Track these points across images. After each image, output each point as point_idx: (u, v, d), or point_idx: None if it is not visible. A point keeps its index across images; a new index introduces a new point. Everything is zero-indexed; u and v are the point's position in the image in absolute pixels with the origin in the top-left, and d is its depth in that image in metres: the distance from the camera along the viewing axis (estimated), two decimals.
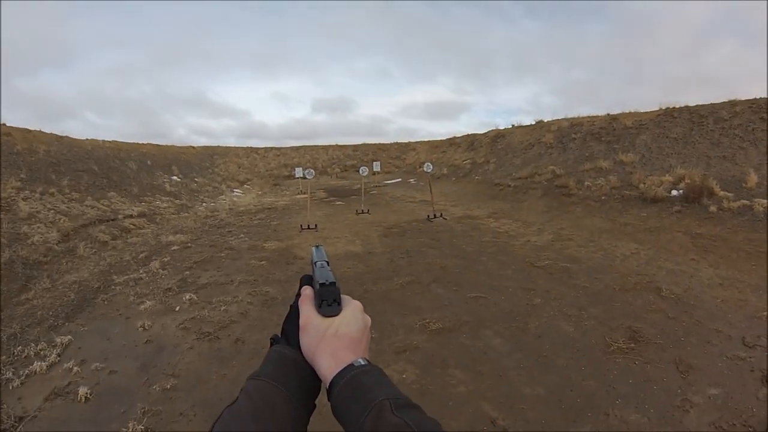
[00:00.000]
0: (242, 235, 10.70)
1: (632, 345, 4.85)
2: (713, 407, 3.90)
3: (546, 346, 5.03)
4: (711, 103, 13.53)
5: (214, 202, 18.84)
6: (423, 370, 4.65)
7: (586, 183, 12.60)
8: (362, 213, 13.58)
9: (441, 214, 12.30)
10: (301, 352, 0.64)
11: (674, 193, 10.06)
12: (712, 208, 8.94)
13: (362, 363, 0.58)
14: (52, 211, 10.87)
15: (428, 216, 12.19)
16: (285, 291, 6.72)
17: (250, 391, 0.59)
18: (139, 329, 5.50)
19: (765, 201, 8.47)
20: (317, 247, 0.83)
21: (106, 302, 6.54)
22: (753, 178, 9.46)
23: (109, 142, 21.62)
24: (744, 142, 11.17)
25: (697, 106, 13.85)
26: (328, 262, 0.76)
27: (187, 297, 6.42)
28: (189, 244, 9.84)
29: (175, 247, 9.56)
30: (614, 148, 14.30)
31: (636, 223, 9.35)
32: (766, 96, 12.20)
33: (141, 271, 7.88)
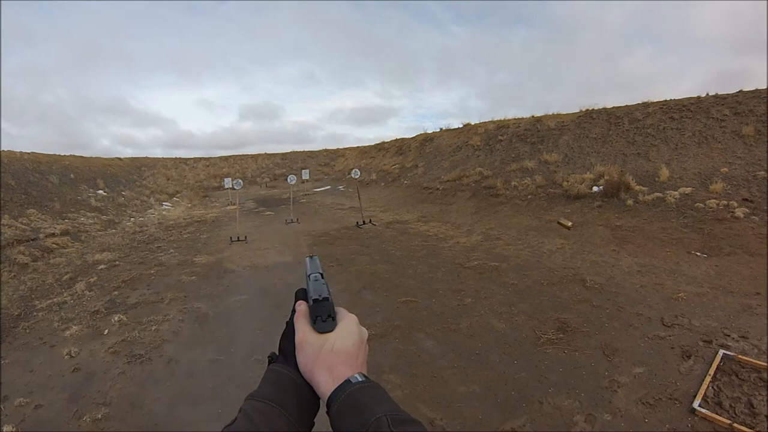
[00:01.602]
0: (172, 250, 10.70)
1: (561, 335, 5.17)
2: (639, 385, 4.25)
3: (478, 344, 5.23)
4: (626, 105, 14.94)
5: (142, 217, 18.58)
6: None
7: (512, 183, 13.30)
8: (292, 222, 13.70)
9: (370, 221, 12.50)
10: (299, 370, 0.66)
11: (595, 189, 10.92)
12: (630, 202, 9.80)
13: (359, 379, 0.60)
14: None
15: (357, 223, 12.37)
16: (216, 306, 6.75)
17: (249, 411, 0.60)
18: (66, 357, 5.38)
19: (676, 193, 9.44)
20: (311, 257, 0.84)
21: (28, 330, 6.31)
22: (665, 173, 10.50)
23: (28, 153, 20.48)
24: (656, 140, 12.39)
25: (613, 108, 15.23)
26: (322, 274, 0.77)
27: (116, 319, 6.38)
28: (117, 263, 9.74)
29: (102, 266, 9.41)
30: (539, 149, 15.25)
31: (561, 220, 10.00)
32: (682, 97, 13.69)
33: (65, 294, 7.69)
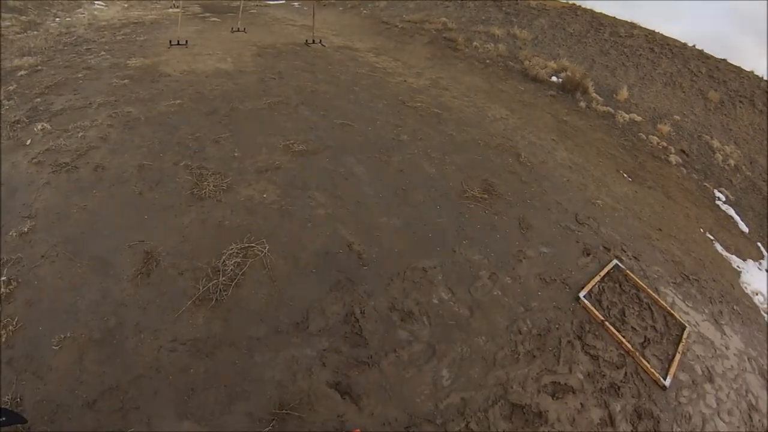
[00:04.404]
0: (103, 53, 9.29)
1: (485, 196, 5.11)
2: (541, 262, 4.39)
3: (406, 181, 5.05)
4: (615, 17, 14.33)
5: (69, 17, 15.31)
6: (284, 190, 4.62)
7: (474, 43, 12.50)
8: (238, 31, 12.23)
9: (320, 41, 11.47)
10: None
11: (554, 79, 10.60)
12: (582, 104, 9.75)
13: None
14: None
15: (306, 41, 11.29)
16: (148, 111, 6.17)
17: None
18: None
19: (627, 116, 9.60)
20: None
21: None
22: (624, 93, 10.50)
23: None
24: (629, 61, 12.14)
25: (600, 13, 14.54)
26: None
27: (39, 127, 5.77)
28: (39, 67, 8.34)
29: (22, 72, 8.02)
30: (512, 21, 14.32)
31: (512, 93, 9.69)
32: (670, 35, 13.30)
33: None
